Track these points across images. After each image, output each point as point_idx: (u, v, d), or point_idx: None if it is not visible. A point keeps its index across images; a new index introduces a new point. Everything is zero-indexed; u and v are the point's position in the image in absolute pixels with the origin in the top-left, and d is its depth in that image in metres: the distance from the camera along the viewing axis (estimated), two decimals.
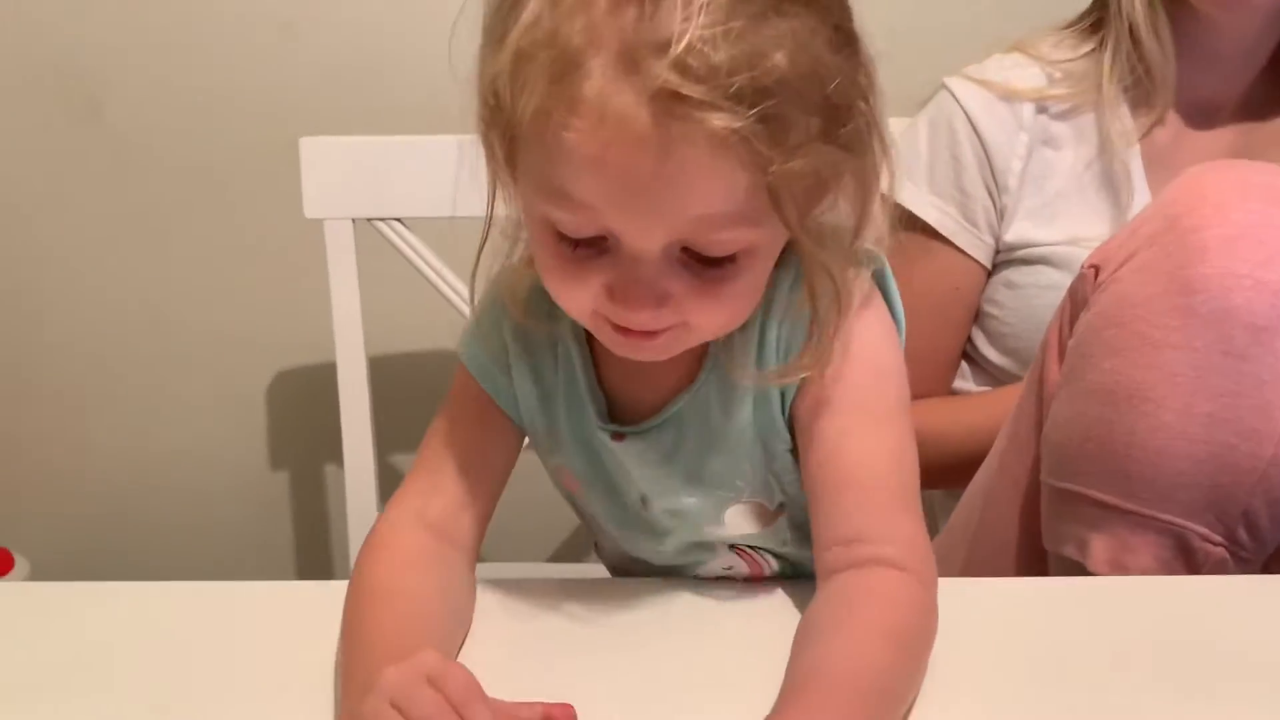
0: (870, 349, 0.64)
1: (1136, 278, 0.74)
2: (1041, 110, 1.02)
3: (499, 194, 0.62)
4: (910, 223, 1.02)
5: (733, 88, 0.50)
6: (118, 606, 0.69)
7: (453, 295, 1.12)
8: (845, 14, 0.56)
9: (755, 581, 0.71)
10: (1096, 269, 0.78)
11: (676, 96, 0.50)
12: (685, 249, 0.56)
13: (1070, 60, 1.02)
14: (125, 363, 1.41)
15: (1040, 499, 0.80)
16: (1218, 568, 0.72)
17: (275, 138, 1.21)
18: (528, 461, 0.73)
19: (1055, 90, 1.02)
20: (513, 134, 0.56)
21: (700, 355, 0.66)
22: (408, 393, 1.34)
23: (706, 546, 0.71)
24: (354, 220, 1.09)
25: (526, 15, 0.53)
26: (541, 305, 0.67)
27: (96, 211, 1.36)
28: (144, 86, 1.31)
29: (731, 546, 0.71)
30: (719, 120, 0.50)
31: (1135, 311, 0.73)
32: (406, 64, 1.28)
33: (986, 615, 0.65)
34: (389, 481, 1.38)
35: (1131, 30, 0.98)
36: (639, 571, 0.74)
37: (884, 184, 0.60)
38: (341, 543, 1.42)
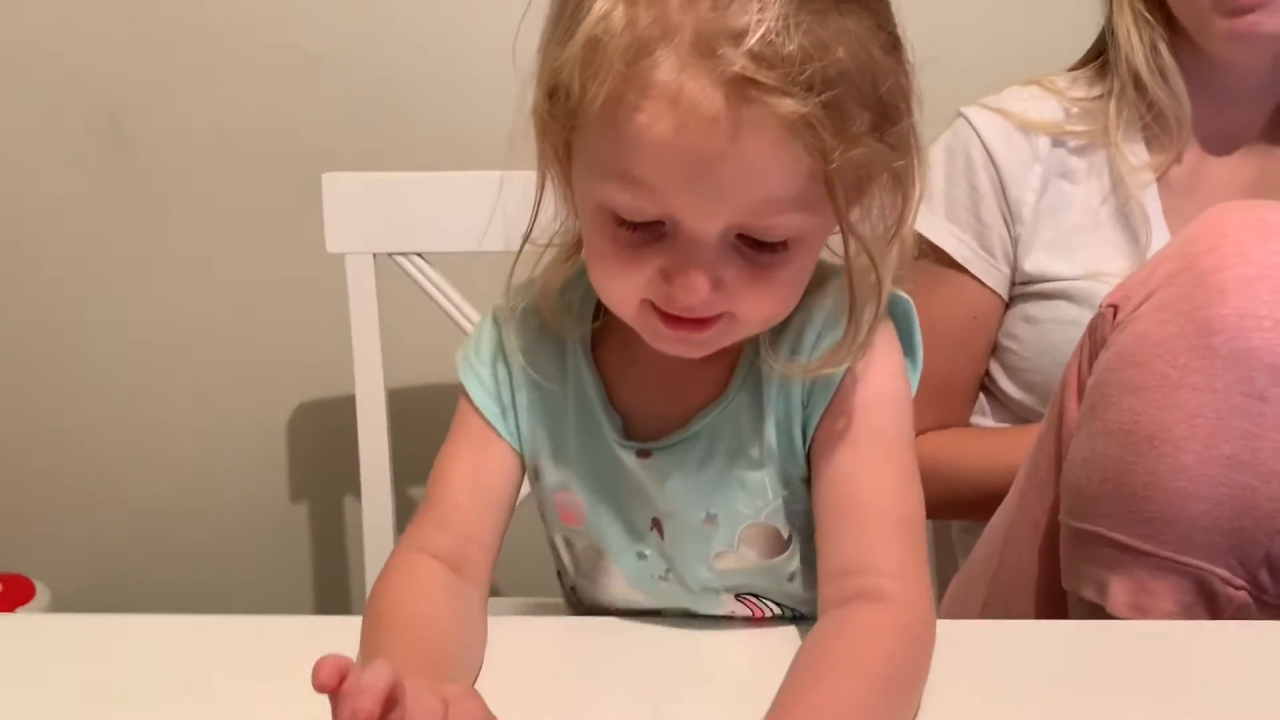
0: (890, 384, 0.65)
1: (1155, 317, 0.73)
2: (1058, 144, 1.03)
3: (548, 191, 0.64)
4: (927, 251, 1.03)
5: (803, 75, 0.52)
6: (136, 639, 0.70)
7: (471, 329, 1.12)
8: (893, 21, 0.59)
9: (758, 621, 0.71)
10: (1115, 308, 0.77)
11: (750, 82, 0.52)
12: (740, 235, 0.58)
13: (1085, 99, 1.03)
14: (148, 393, 1.42)
15: (1060, 539, 0.80)
16: (1240, 611, 0.71)
17: (300, 172, 1.22)
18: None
19: (1071, 126, 1.02)
20: (574, 124, 0.58)
21: (731, 366, 0.67)
22: (426, 426, 1.33)
23: (709, 590, 0.70)
24: (375, 255, 1.10)
25: (599, 7, 0.55)
26: (568, 307, 0.69)
27: (124, 243, 1.37)
28: (173, 120, 1.33)
29: (737, 596, 0.71)
30: (789, 105, 0.52)
31: (1154, 351, 0.72)
32: (429, 101, 1.30)
33: (1005, 657, 0.65)
34: (406, 514, 1.38)
35: (1136, 79, 0.99)
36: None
37: (918, 189, 0.62)
38: (359, 574, 1.41)
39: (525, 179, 0.66)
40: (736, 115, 0.53)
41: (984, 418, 1.09)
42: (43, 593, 1.39)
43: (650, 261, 0.58)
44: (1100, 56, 1.05)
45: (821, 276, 0.66)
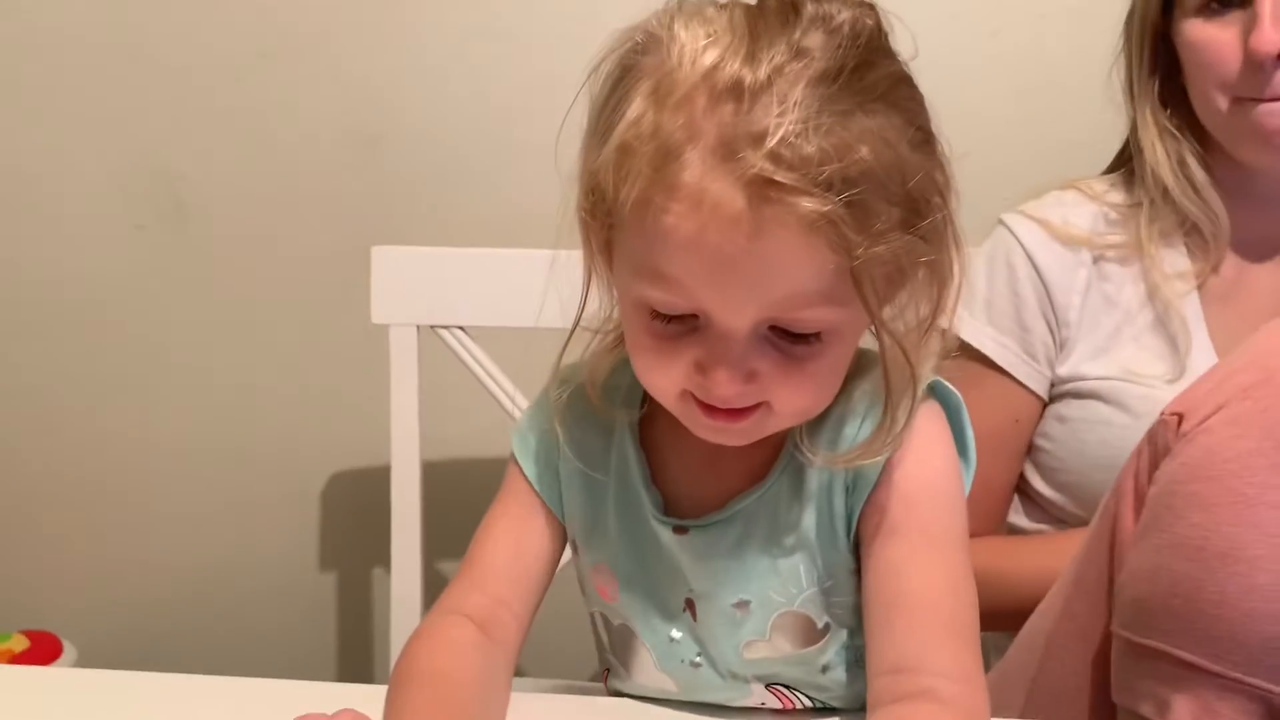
0: (939, 477, 0.65)
1: (1228, 430, 0.70)
2: (1098, 253, 1.03)
3: (593, 284, 0.66)
4: (970, 355, 1.02)
5: (822, 176, 0.54)
6: (160, 697, 0.70)
7: (509, 405, 1.13)
8: (924, 116, 0.60)
9: (788, 714, 0.70)
10: (1180, 416, 0.74)
11: (770, 183, 0.54)
12: (772, 327, 0.59)
13: (1122, 205, 1.03)
14: (184, 454, 1.44)
15: (1110, 650, 0.77)
16: None
17: (349, 245, 1.25)
18: (572, 575, 0.74)
19: (1110, 238, 1.02)
20: (612, 222, 0.60)
21: (774, 452, 0.67)
22: (459, 501, 1.34)
23: (739, 679, 0.70)
24: (419, 327, 1.11)
25: (631, 112, 0.57)
26: (614, 391, 0.70)
27: (173, 307, 1.40)
28: (228, 191, 1.37)
29: (767, 686, 0.70)
30: (809, 204, 0.54)
31: (1227, 467, 0.70)
32: (479, 179, 1.33)
33: None
34: (435, 588, 1.38)
35: (1165, 192, 0.99)
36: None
37: (955, 278, 0.62)
38: (384, 646, 1.41)
39: (573, 259, 0.67)
40: (758, 215, 0.54)
41: (1017, 516, 1.08)
42: (69, 651, 1.39)
43: (686, 354, 0.60)
44: (1129, 163, 1.05)
45: (863, 365, 0.66)
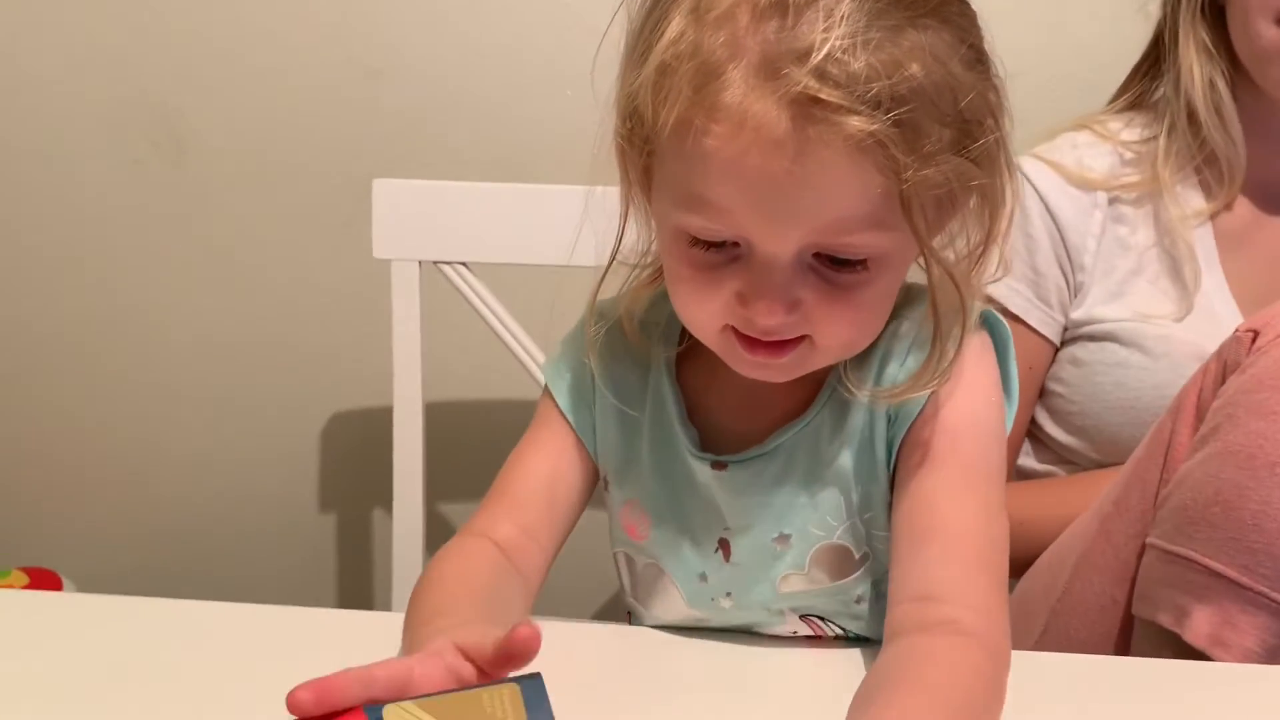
0: (983, 411, 0.64)
1: None
2: (1113, 195, 1.01)
3: (630, 217, 0.65)
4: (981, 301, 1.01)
5: (870, 93, 0.52)
6: (154, 621, 0.70)
7: (513, 343, 1.12)
8: (978, 34, 0.58)
9: (819, 641, 0.70)
10: (1255, 332, 0.74)
11: (815, 101, 0.52)
12: (817, 254, 0.57)
13: (1137, 142, 1.01)
14: (183, 391, 1.43)
15: (1141, 564, 0.76)
16: None
17: (351, 180, 1.24)
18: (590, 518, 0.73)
19: (1125, 178, 1.01)
20: (651, 148, 0.59)
21: (815, 387, 0.66)
22: (462, 441, 1.34)
23: (774, 611, 0.69)
24: (420, 262, 1.10)
25: (671, 31, 0.55)
26: (652, 327, 0.69)
27: (171, 243, 1.38)
28: (227, 125, 1.34)
29: (801, 617, 0.69)
30: (856, 123, 0.52)
31: None
32: (483, 113, 1.31)
33: (1069, 692, 0.62)
34: (436, 527, 1.38)
35: (1191, 114, 0.97)
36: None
37: (1008, 204, 0.60)
38: (384, 587, 1.41)
39: (608, 194, 0.66)
40: (803, 135, 0.52)
41: (1027, 458, 1.07)
42: (69, 587, 1.39)
43: (727, 285, 0.58)
44: (1142, 83, 1.03)
45: (909, 299, 0.65)
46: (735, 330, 0.60)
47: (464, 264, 1.11)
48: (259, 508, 1.45)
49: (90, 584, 1.41)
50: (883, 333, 0.63)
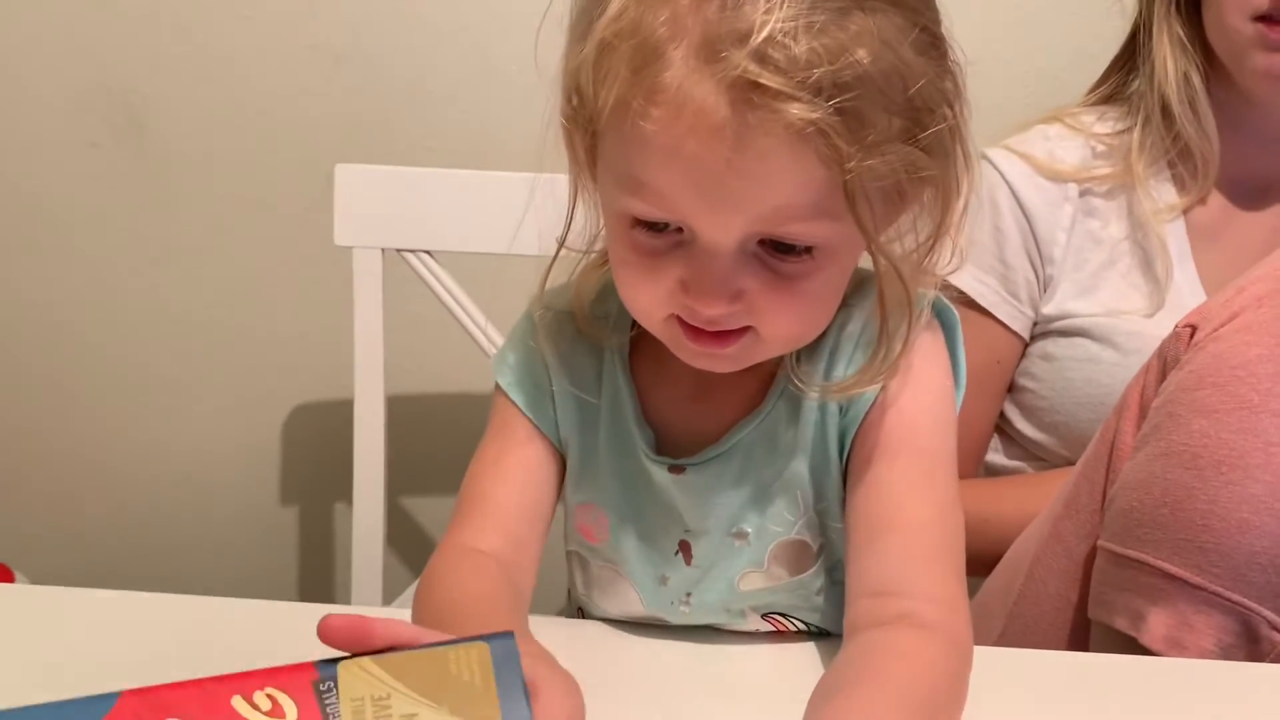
0: (935, 400, 0.63)
1: (1239, 338, 0.69)
2: (1085, 187, 1.01)
3: (580, 198, 0.63)
4: (948, 295, 1.00)
5: (811, 79, 0.50)
6: (108, 613, 0.68)
7: (477, 333, 1.10)
8: (933, 17, 0.56)
9: (780, 636, 0.68)
10: (1193, 328, 0.73)
11: (755, 86, 0.50)
12: (761, 242, 0.55)
13: (1110, 135, 1.01)
14: (143, 383, 1.40)
15: (1094, 566, 0.76)
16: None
17: (313, 166, 1.21)
18: None
19: (1097, 170, 1.00)
20: (594, 128, 0.57)
21: (766, 380, 0.65)
22: (425, 434, 1.32)
23: (735, 612, 0.68)
24: (383, 250, 1.08)
25: (613, 7, 0.53)
26: (602, 317, 0.67)
27: (131, 232, 1.36)
28: (188, 110, 1.32)
29: (763, 616, 0.68)
30: (796, 111, 0.50)
31: (1234, 373, 0.68)
32: (446, 99, 1.29)
33: (1028, 688, 0.62)
34: (397, 521, 1.37)
35: (1165, 108, 0.97)
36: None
37: (962, 194, 0.59)
38: (344, 581, 1.39)
39: (554, 182, 0.64)
40: (742, 121, 0.51)
41: (996, 454, 1.07)
42: (21, 580, 1.36)
43: (670, 271, 0.57)
44: (1117, 76, 1.02)
45: (858, 288, 0.63)
46: (680, 319, 0.58)
47: (427, 252, 1.09)
48: (219, 500, 1.43)
49: (44, 579, 1.39)
50: (831, 325, 0.62)
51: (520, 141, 1.24)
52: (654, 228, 0.56)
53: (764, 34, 0.49)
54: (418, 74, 1.29)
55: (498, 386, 0.69)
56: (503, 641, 0.45)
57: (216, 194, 1.34)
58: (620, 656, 0.66)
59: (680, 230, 0.56)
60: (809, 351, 0.63)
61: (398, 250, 1.08)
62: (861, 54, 0.51)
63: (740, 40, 0.50)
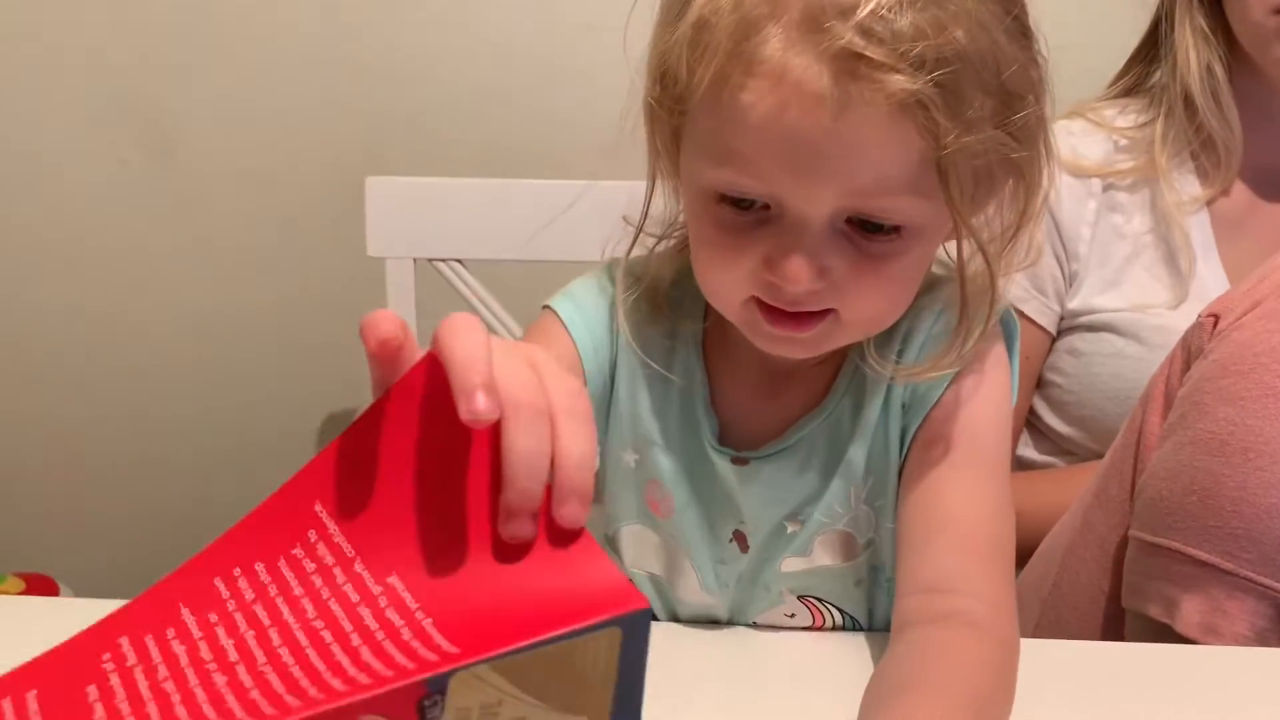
0: (998, 400, 0.64)
1: (1262, 325, 0.69)
2: (1108, 182, 1.01)
3: (658, 186, 0.63)
4: None
5: (913, 52, 0.51)
6: None
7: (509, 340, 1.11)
8: (1022, 8, 0.57)
9: (819, 630, 0.70)
10: (1216, 317, 0.74)
11: (858, 57, 0.51)
12: (849, 221, 0.56)
13: (1132, 128, 1.01)
14: (179, 393, 1.42)
15: (1126, 555, 0.76)
16: None
17: (344, 177, 1.23)
18: None
19: (1120, 165, 1.00)
20: (683, 109, 0.57)
21: (831, 377, 0.65)
22: None
23: (773, 592, 0.69)
24: (415, 260, 1.09)
25: None
26: (676, 303, 0.67)
27: (164, 244, 1.37)
28: (218, 123, 1.33)
29: (799, 597, 0.69)
30: (899, 82, 0.51)
31: (1258, 360, 0.68)
32: (475, 109, 1.30)
33: (1068, 678, 0.62)
34: None
35: (1187, 99, 0.97)
36: (686, 615, 0.72)
37: (1044, 185, 0.59)
38: None
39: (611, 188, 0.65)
40: (843, 92, 0.51)
41: (1027, 449, 1.07)
42: (65, 593, 1.38)
43: (754, 249, 0.57)
44: (1139, 68, 1.02)
45: (932, 285, 0.64)
46: (760, 302, 0.58)
47: (459, 261, 1.10)
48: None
49: (87, 588, 1.40)
50: (907, 312, 0.62)
51: (549, 149, 1.26)
52: (740, 205, 0.56)
53: (869, 8, 0.51)
54: (442, 85, 1.30)
55: (547, 309, 0.67)
56: (634, 619, 0.37)
57: (247, 209, 1.35)
58: (657, 650, 0.67)
59: (767, 207, 0.56)
60: (883, 337, 0.63)
61: (429, 260, 1.10)
62: (959, 33, 0.52)
63: (844, 13, 0.51)
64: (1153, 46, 1.02)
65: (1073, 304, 1.01)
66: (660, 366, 0.66)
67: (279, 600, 0.38)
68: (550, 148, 1.25)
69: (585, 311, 0.67)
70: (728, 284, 0.59)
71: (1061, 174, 1.00)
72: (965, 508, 0.61)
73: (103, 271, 1.39)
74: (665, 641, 0.67)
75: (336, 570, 0.38)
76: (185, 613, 0.39)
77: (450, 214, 1.09)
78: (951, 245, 0.60)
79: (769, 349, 0.61)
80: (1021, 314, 1.01)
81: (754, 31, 0.52)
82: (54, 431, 1.45)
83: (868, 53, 0.51)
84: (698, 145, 0.57)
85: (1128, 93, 1.04)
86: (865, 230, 0.56)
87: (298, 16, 1.30)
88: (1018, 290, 1.01)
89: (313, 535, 0.40)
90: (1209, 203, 0.99)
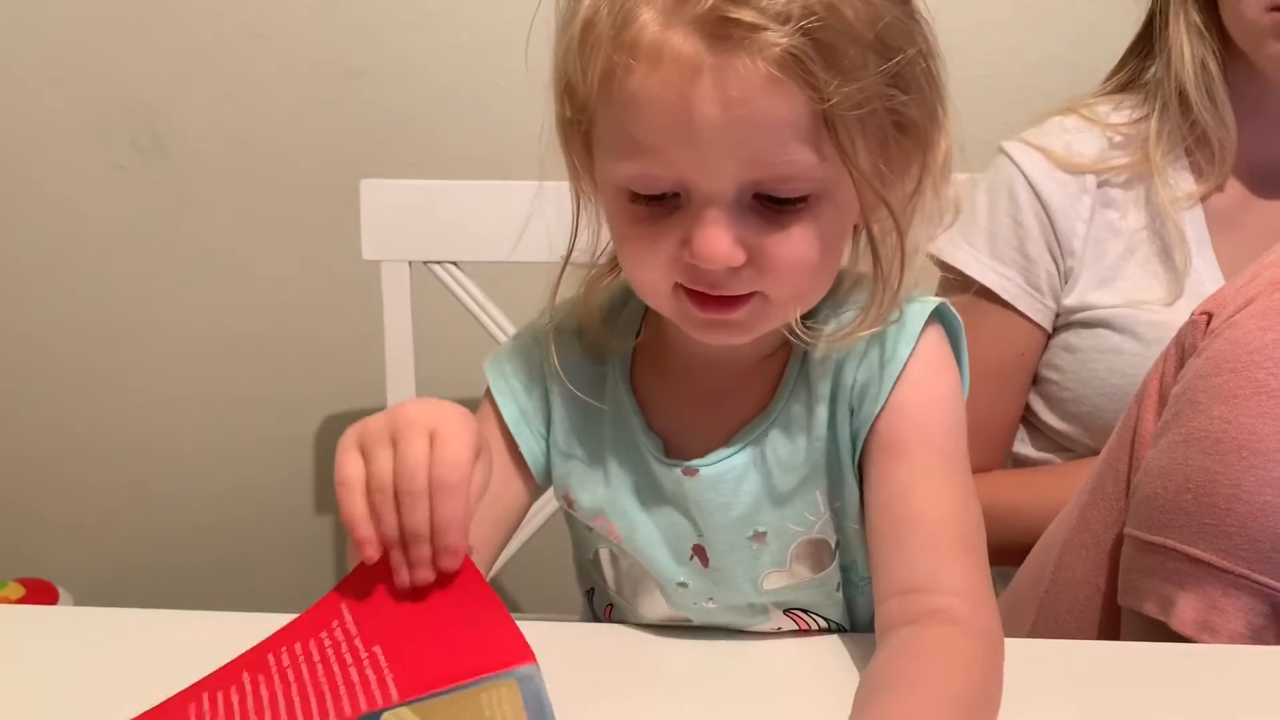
0: (946, 397, 0.64)
1: (1255, 323, 0.70)
2: (1103, 178, 1.01)
3: (581, 205, 0.65)
4: (971, 288, 1.01)
5: (777, 7, 0.52)
6: (150, 633, 0.69)
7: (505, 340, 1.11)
8: None
9: (806, 634, 0.69)
10: (1209, 315, 0.74)
11: (726, 21, 0.52)
12: (756, 196, 0.56)
13: (1126, 125, 1.01)
14: (176, 398, 1.43)
15: (1121, 553, 0.76)
16: None
17: (338, 180, 1.23)
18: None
19: (1114, 161, 1.00)
20: (586, 115, 0.58)
21: (774, 382, 0.66)
22: None
23: (758, 608, 0.69)
24: (410, 263, 1.09)
25: None
26: (611, 319, 0.68)
27: (159, 248, 1.38)
28: (212, 128, 1.34)
29: (785, 611, 0.69)
30: (770, 38, 0.52)
31: (1252, 358, 0.69)
32: (468, 111, 1.30)
33: (1061, 678, 0.62)
34: None
35: (1181, 96, 0.97)
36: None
37: (944, 140, 0.60)
38: None
39: (562, 189, 0.66)
40: (719, 58, 0.53)
41: (1024, 446, 1.07)
42: (65, 598, 1.38)
43: (671, 235, 0.58)
44: (1134, 63, 1.02)
45: (858, 281, 0.65)
46: (686, 290, 0.59)
47: (454, 263, 1.11)
48: (253, 513, 1.44)
49: (87, 593, 1.41)
50: (830, 294, 0.63)
51: (544, 151, 1.26)
52: (651, 199, 0.57)
53: None
54: (437, 86, 1.31)
55: (488, 393, 0.70)
56: (528, 678, 0.47)
57: (242, 213, 1.36)
58: (645, 657, 0.67)
59: (677, 195, 0.57)
60: (810, 315, 0.63)
61: (425, 262, 1.10)
62: None
63: None
64: (1147, 42, 1.02)
65: (1068, 300, 1.01)
66: (591, 398, 0.68)
67: (303, 667, 0.52)
68: (545, 150, 1.25)
69: (512, 382, 0.70)
70: (653, 275, 0.59)
71: (1055, 171, 1.00)
72: (930, 507, 0.61)
73: (99, 275, 1.39)
74: (651, 647, 0.68)
75: (343, 644, 0.52)
76: (245, 676, 0.54)
77: (445, 216, 1.09)
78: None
79: (704, 338, 0.61)
80: (1017, 311, 1.01)
81: (631, 18, 0.54)
82: (52, 436, 1.45)
83: (734, 14, 0.52)
84: (602, 145, 0.59)
85: (1122, 89, 1.04)
86: (774, 203, 0.57)
87: (292, 19, 1.30)
88: (1012, 288, 1.01)
89: (335, 623, 0.54)
90: (1203, 198, 0.99)
